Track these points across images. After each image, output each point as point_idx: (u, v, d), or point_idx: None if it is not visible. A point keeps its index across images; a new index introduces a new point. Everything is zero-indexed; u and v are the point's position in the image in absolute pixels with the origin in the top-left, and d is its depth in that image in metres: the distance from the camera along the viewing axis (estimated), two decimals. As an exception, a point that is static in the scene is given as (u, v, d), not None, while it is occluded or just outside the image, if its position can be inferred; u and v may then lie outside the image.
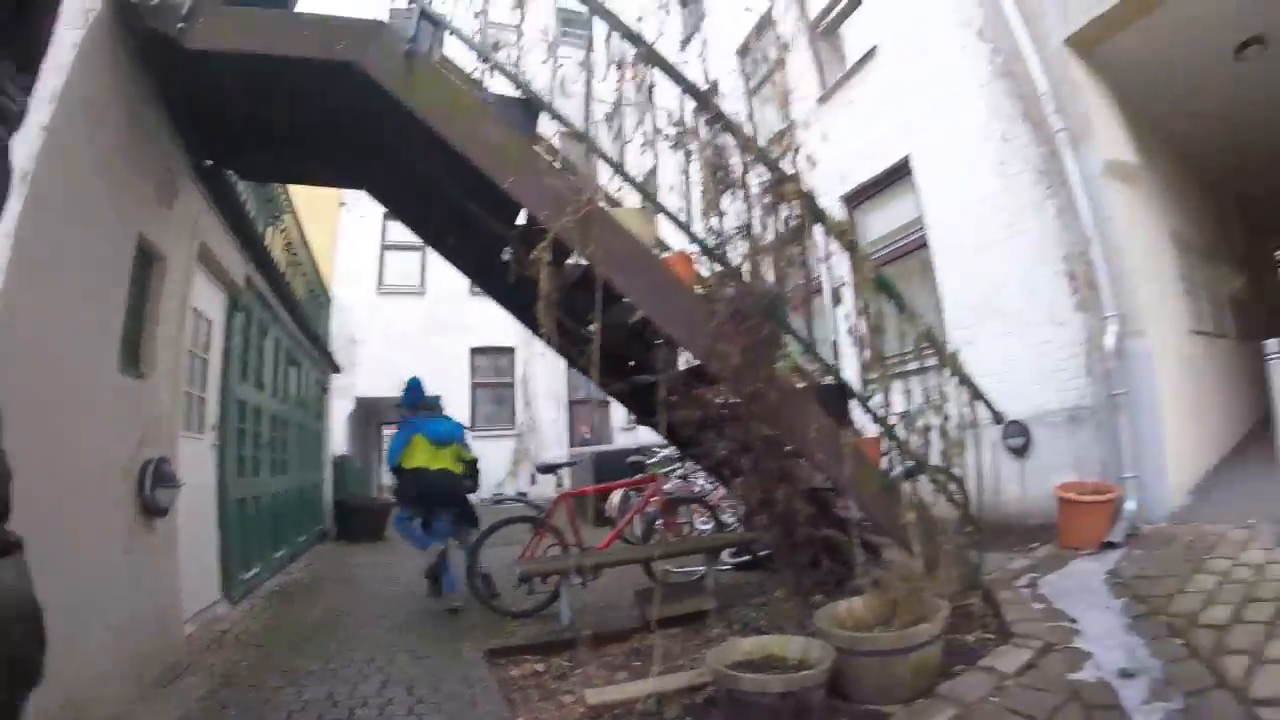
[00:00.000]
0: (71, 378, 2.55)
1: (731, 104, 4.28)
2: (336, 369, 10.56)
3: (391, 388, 7.16)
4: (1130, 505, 3.93)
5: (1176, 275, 5.17)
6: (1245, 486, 4.42)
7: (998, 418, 4.50)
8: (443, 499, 4.86)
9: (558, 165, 3.33)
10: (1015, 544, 4.16)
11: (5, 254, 2.06)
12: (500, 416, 14.35)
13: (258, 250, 5.36)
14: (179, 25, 2.67)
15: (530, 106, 3.23)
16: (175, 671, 3.25)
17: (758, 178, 3.35)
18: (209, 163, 3.81)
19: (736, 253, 3.33)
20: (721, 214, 3.26)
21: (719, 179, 3.31)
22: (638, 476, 6.09)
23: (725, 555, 5.00)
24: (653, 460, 7.12)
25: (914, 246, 6.09)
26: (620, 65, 3.27)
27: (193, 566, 3.82)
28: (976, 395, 3.64)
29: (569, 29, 9.26)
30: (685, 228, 3.28)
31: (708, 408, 3.34)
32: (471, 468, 5.07)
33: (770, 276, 3.29)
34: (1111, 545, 3.66)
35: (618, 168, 3.36)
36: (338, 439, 12.48)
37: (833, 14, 7.17)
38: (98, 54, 2.57)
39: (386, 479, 16.65)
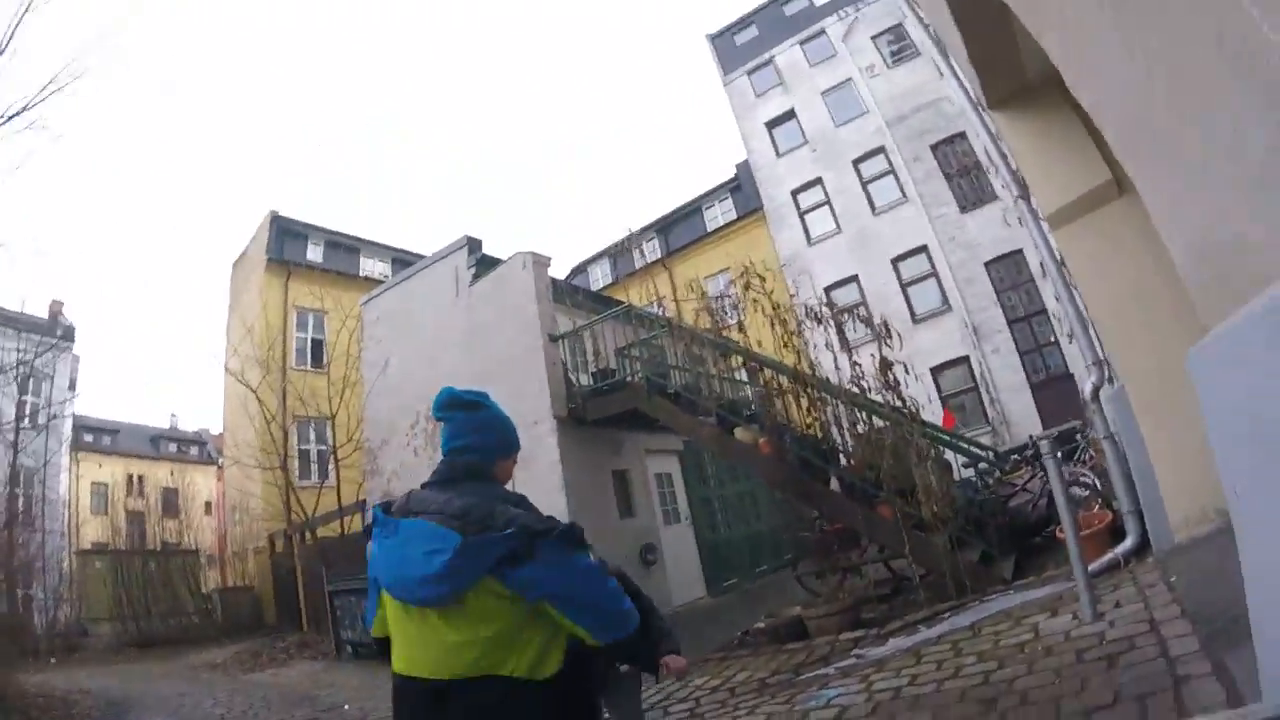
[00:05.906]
0: (605, 522, 8.50)
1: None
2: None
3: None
4: (1128, 542, 4.30)
5: (1160, 316, 3.93)
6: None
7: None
8: None
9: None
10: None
11: (564, 487, 8.09)
12: (972, 420, 15.71)
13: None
14: (584, 413, 8.53)
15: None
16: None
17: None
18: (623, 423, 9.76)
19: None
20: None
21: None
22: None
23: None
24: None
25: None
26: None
27: (682, 579, 9.39)
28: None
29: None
30: (760, 426, 7.13)
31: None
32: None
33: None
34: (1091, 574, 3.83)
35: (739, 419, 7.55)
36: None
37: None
38: (565, 435, 8.57)
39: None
